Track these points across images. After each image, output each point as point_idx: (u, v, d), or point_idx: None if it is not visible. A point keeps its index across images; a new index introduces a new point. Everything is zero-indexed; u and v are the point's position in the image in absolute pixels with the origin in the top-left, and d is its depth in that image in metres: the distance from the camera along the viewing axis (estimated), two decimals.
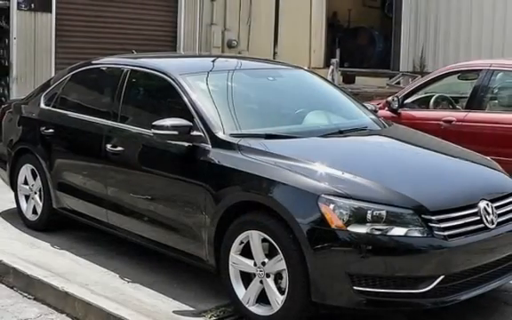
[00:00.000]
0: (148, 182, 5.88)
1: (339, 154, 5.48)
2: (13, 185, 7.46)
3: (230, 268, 5.09)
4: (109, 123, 6.31)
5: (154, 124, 5.47)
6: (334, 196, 4.67)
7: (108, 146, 6.17)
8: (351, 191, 4.70)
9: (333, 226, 4.60)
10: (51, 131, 6.93)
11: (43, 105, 7.26)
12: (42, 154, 6.99)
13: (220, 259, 5.17)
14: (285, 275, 4.75)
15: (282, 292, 4.80)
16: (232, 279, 5.09)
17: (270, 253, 4.88)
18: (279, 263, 4.79)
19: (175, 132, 5.41)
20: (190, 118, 5.52)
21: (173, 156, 5.61)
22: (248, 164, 5.10)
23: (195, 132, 5.44)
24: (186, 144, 5.47)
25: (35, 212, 7.19)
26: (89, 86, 7.21)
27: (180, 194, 5.57)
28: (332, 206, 4.63)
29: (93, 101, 6.94)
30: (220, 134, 5.40)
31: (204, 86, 5.94)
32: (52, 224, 7.06)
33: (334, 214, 4.61)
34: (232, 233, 5.06)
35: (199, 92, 5.81)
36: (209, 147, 5.37)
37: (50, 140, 6.94)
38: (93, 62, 7.23)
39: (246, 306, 5.00)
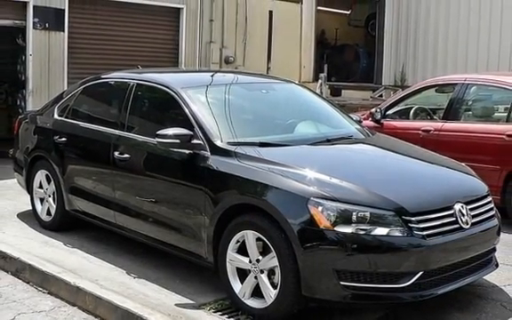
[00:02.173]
0: (152, 186, 5.87)
1: (326, 160, 5.48)
2: (29, 189, 7.46)
3: (227, 264, 5.08)
4: (117, 132, 6.30)
5: (157, 133, 5.48)
6: (322, 198, 4.67)
7: (116, 153, 6.17)
8: (338, 194, 4.70)
9: (322, 226, 4.60)
10: (63, 139, 6.93)
11: (56, 116, 7.26)
12: (55, 160, 6.98)
13: (218, 256, 5.17)
14: (278, 271, 4.75)
15: (274, 287, 4.80)
16: (229, 275, 5.08)
17: (264, 251, 4.87)
18: (272, 260, 4.79)
19: (177, 141, 5.41)
20: (191, 128, 5.52)
21: (175, 162, 5.61)
22: (244, 170, 5.10)
23: (195, 141, 5.44)
24: (187, 151, 5.47)
25: (49, 213, 7.19)
26: (98, 99, 7.20)
27: (181, 197, 5.57)
28: (320, 208, 4.63)
29: (102, 112, 6.94)
30: (218, 142, 5.40)
31: (204, 99, 5.93)
32: (64, 224, 7.06)
33: (322, 216, 4.61)
34: (229, 233, 5.05)
35: (199, 103, 5.80)
36: (208, 154, 5.36)
37: (63, 148, 6.94)
38: (102, 77, 7.23)
39: (242, 299, 5.00)
